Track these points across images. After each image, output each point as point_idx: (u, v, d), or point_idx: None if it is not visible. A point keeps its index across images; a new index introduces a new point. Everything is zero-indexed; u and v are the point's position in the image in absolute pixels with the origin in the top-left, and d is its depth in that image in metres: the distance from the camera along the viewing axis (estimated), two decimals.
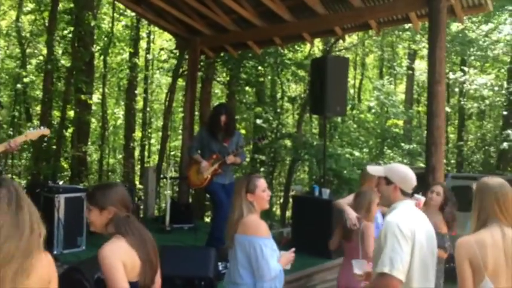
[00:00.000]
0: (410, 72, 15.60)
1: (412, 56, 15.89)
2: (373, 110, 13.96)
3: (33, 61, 13.94)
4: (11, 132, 13.15)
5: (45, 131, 3.62)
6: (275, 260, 2.76)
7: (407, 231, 2.44)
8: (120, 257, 2.15)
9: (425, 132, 5.53)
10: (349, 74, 18.41)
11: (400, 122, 14.90)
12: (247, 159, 13.91)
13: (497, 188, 2.36)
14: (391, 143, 12.96)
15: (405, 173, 2.65)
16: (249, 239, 2.75)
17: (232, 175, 5.38)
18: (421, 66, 15.62)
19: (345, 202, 3.91)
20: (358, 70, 19.31)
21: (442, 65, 5.37)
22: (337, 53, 12.70)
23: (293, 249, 2.95)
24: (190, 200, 11.29)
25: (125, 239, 2.19)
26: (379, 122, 14.40)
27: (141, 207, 8.31)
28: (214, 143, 5.14)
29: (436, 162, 5.16)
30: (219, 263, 4.37)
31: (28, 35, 14.40)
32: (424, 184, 5.20)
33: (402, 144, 12.34)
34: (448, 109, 13.78)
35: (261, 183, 2.92)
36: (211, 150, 5.13)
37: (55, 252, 4.94)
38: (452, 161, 15.20)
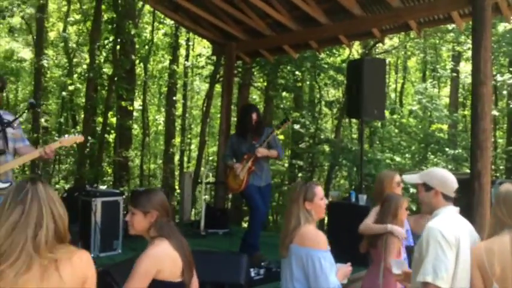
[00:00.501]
0: (454, 74, 15.02)
1: (457, 58, 15.31)
2: (413, 114, 13.50)
3: (79, 69, 14.48)
4: (57, 137, 13.67)
5: (78, 138, 3.63)
6: (333, 275, 2.62)
7: (451, 237, 2.32)
8: (160, 262, 2.27)
9: None
10: (390, 78, 18.22)
11: (445, 127, 14.36)
12: (285, 165, 13.84)
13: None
14: (434, 148, 12.48)
15: (445, 176, 2.52)
16: (306, 251, 2.62)
17: (269, 177, 5.26)
18: (466, 68, 15.01)
19: (371, 221, 3.65)
20: (400, 74, 18.81)
21: (488, 66, 5.10)
22: (377, 56, 12.42)
23: (349, 263, 2.81)
24: (228, 205, 11.35)
25: (168, 242, 2.31)
26: (422, 126, 13.94)
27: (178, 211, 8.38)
28: (243, 145, 5.07)
29: (482, 167, 4.88)
30: (251, 270, 4.30)
31: (74, 45, 15.00)
32: (469, 191, 4.94)
33: (447, 149, 11.86)
34: (496, 112, 13.16)
35: (319, 191, 2.81)
36: (242, 152, 5.07)
37: (92, 256, 5.02)
38: (501, 167, 14.47)
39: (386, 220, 3.45)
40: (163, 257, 2.30)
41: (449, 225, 2.37)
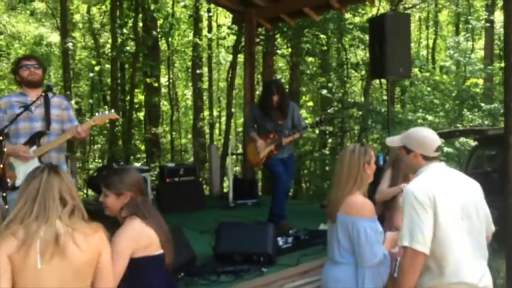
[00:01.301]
0: (489, 25, 14.23)
1: (491, 7, 14.47)
2: (445, 70, 12.93)
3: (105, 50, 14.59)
4: (88, 119, 13.95)
5: (111, 115, 3.57)
6: (380, 244, 2.58)
7: (424, 198, 2.25)
8: (133, 241, 2.26)
9: None
10: (421, 34, 17.46)
11: (480, 81, 13.75)
12: (316, 131, 13.67)
13: None
14: (470, 104, 11.99)
15: (423, 137, 2.46)
16: (352, 220, 2.57)
17: (291, 148, 5.17)
18: (501, 18, 14.19)
19: (386, 186, 3.58)
20: (431, 29, 18.00)
21: None
22: (406, 12, 11.87)
23: (398, 231, 2.71)
24: (260, 174, 11.37)
25: (140, 219, 2.29)
26: (456, 82, 13.38)
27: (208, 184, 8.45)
28: (268, 121, 4.94)
29: None
30: (279, 238, 4.28)
31: (98, 25, 15.07)
32: (503, 145, 4.70)
33: (482, 104, 11.37)
34: None
35: (372, 153, 2.76)
36: (266, 129, 4.95)
37: None
38: None
39: (398, 182, 3.42)
40: (135, 236, 2.27)
41: (423, 186, 2.30)
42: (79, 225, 1.92)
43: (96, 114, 3.61)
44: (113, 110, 3.67)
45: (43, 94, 3.49)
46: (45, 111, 3.47)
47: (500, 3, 13.60)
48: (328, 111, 11.86)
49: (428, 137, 2.46)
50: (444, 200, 2.28)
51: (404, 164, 3.36)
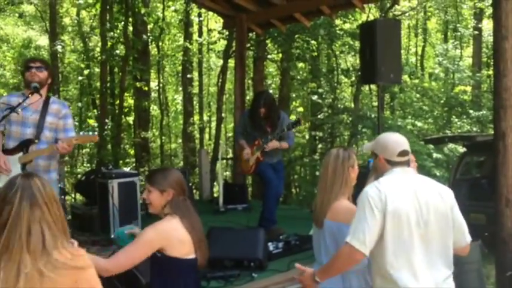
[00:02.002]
0: (477, 33, 14.42)
1: (479, 15, 14.68)
2: (434, 77, 13.07)
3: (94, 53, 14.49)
4: (77, 123, 13.81)
5: (93, 137, 3.53)
6: None
7: (376, 200, 2.23)
8: (165, 237, 2.30)
9: None
10: (410, 41, 17.64)
11: (468, 88, 13.90)
12: (306, 137, 13.69)
13: None
14: (458, 111, 12.11)
15: (386, 141, 2.44)
16: (338, 225, 2.59)
17: (280, 154, 5.19)
18: (489, 26, 14.39)
19: None
20: (420, 36, 18.19)
21: (510, 19, 4.77)
22: (396, 19, 11.96)
23: None
24: (249, 179, 11.34)
25: (180, 219, 2.34)
26: (444, 89, 13.52)
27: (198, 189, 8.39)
28: (257, 130, 4.96)
29: (506, 127, 4.62)
30: (270, 243, 4.25)
31: (88, 29, 14.97)
32: (492, 152, 4.73)
33: (471, 111, 11.49)
34: None
35: (355, 157, 2.78)
36: (254, 136, 4.97)
37: (112, 237, 5.06)
38: None
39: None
40: (170, 233, 2.32)
41: (377, 187, 2.27)
42: (52, 258, 1.59)
43: (80, 133, 3.63)
44: (96, 132, 3.68)
45: (43, 98, 3.45)
46: (40, 118, 3.42)
47: (488, 12, 13.82)
48: (318, 116, 11.89)
49: (392, 141, 2.42)
50: (396, 204, 2.23)
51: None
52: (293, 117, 12.93)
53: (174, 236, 2.31)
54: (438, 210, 2.28)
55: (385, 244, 2.23)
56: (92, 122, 13.22)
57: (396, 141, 2.41)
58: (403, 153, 2.39)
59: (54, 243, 1.61)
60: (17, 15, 15.36)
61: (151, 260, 2.34)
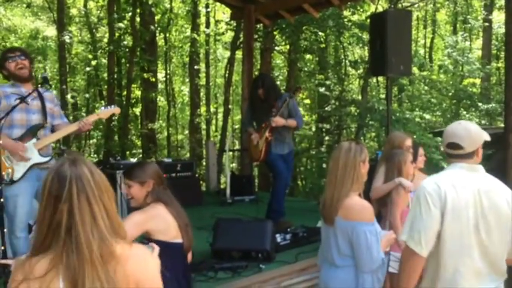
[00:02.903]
0: (487, 25, 14.24)
1: (489, 7, 14.48)
2: (443, 69, 12.95)
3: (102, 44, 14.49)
4: (84, 114, 13.85)
5: (115, 109, 3.62)
6: (378, 248, 2.47)
7: (434, 197, 2.06)
8: (151, 219, 2.37)
9: None
10: (419, 33, 17.47)
11: (477, 81, 13.77)
12: (312, 129, 13.64)
13: None
14: (467, 103, 12.01)
15: (446, 131, 2.24)
16: (352, 224, 2.46)
17: (291, 145, 5.12)
18: (499, 18, 14.21)
19: (381, 183, 3.50)
20: (429, 28, 17.99)
21: None
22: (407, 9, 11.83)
23: (391, 231, 2.71)
24: (256, 171, 11.34)
25: (163, 205, 2.41)
26: (453, 82, 13.40)
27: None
28: (262, 113, 4.91)
29: None
30: (277, 235, 4.25)
31: (95, 19, 14.95)
32: (502, 145, 4.69)
33: (480, 104, 11.38)
34: None
35: (367, 151, 2.67)
36: (262, 120, 4.92)
37: None
38: None
39: (392, 176, 3.38)
40: (157, 216, 2.39)
41: (438, 184, 2.08)
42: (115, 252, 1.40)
43: (102, 108, 3.65)
44: (117, 107, 3.69)
45: (38, 87, 3.46)
46: (42, 104, 3.45)
47: (499, 3, 13.63)
48: (326, 108, 11.83)
49: (448, 130, 2.23)
50: (457, 203, 2.04)
51: (397, 158, 3.36)
52: (300, 110, 12.90)
53: (161, 220, 2.39)
54: (502, 217, 2.07)
55: (441, 245, 2.07)
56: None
57: (453, 131, 2.21)
58: (452, 145, 2.18)
59: (116, 235, 1.42)
60: (24, 5, 15.35)
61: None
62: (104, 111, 3.59)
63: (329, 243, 2.60)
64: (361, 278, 2.49)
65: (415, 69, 11.42)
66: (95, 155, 14.57)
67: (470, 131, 2.18)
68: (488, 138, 2.24)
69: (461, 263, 2.06)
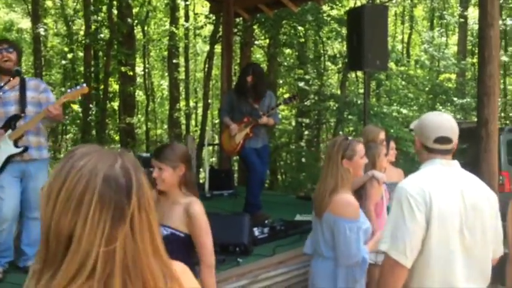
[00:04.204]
0: (462, 20, 14.50)
1: (465, 3, 14.75)
2: (419, 64, 13.17)
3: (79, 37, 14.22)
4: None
5: (83, 89, 3.41)
6: (359, 245, 2.50)
7: (418, 200, 1.85)
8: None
9: None
10: (396, 29, 17.67)
11: (453, 76, 14.03)
12: (292, 123, 13.70)
13: None
14: (442, 98, 12.24)
15: (424, 122, 2.02)
16: (334, 219, 2.53)
17: (265, 138, 5.14)
18: (475, 14, 14.48)
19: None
20: (407, 24, 18.23)
21: (495, 7, 4.83)
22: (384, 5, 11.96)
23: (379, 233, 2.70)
24: (236, 166, 11.34)
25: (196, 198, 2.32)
26: (429, 77, 13.63)
27: None
28: (244, 105, 4.89)
29: (489, 114, 4.71)
30: (255, 229, 4.26)
31: (72, 12, 14.66)
32: (475, 139, 4.79)
33: (455, 98, 11.61)
34: (505, 58, 12.77)
35: (361, 148, 2.63)
36: (242, 112, 4.90)
37: None
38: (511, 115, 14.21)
39: (367, 170, 3.38)
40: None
41: (421, 186, 1.88)
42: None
43: (68, 90, 3.48)
44: (84, 84, 3.55)
45: (19, 78, 3.37)
46: (20, 94, 3.36)
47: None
48: (305, 103, 11.89)
49: (429, 123, 2.01)
50: (443, 207, 1.86)
51: (371, 152, 3.40)
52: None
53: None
54: (484, 217, 1.92)
55: (426, 254, 1.87)
56: (75, 107, 13.03)
57: (433, 123, 2.00)
58: (442, 140, 1.97)
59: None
60: None
61: (170, 237, 2.25)
62: (71, 93, 3.41)
63: (317, 236, 2.70)
64: (336, 271, 2.58)
65: (392, 65, 11.57)
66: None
67: (454, 124, 2.02)
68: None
69: (448, 270, 1.88)
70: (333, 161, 2.58)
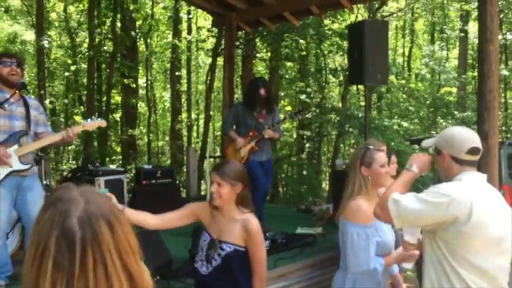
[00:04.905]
0: (463, 35, 14.61)
1: (465, 17, 14.87)
2: (420, 78, 13.23)
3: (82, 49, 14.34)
4: (62, 119, 13.67)
5: (101, 122, 3.55)
6: (369, 253, 2.47)
7: (459, 201, 1.91)
8: None
9: None
10: (398, 42, 17.79)
11: (454, 90, 14.08)
12: (294, 136, 13.73)
13: None
14: (443, 111, 12.27)
15: (453, 134, 2.05)
16: (344, 222, 2.57)
17: (269, 152, 5.19)
18: (475, 28, 14.59)
19: None
20: (408, 37, 18.36)
21: (494, 22, 4.87)
22: (383, 19, 12.07)
23: (416, 251, 2.59)
24: None
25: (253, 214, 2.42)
26: (430, 90, 13.69)
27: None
28: (249, 118, 4.95)
29: (489, 128, 4.72)
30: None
31: (75, 24, 14.81)
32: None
33: (456, 112, 11.65)
34: (506, 72, 12.83)
35: (381, 157, 2.62)
36: (247, 126, 4.95)
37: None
38: None
39: None
40: None
41: (466, 193, 1.92)
42: None
43: (88, 120, 3.57)
44: (103, 120, 3.63)
45: (19, 92, 3.42)
46: (26, 111, 3.41)
47: (474, 14, 14.00)
48: (307, 115, 11.94)
49: (458, 135, 2.05)
50: (483, 215, 1.90)
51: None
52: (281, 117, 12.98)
53: None
54: (508, 228, 2.00)
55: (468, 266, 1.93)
56: (78, 118, 13.10)
57: (462, 135, 2.04)
58: (475, 150, 2.01)
59: None
60: (2, 9, 15.13)
61: (234, 254, 2.36)
62: (90, 124, 3.51)
63: (340, 239, 2.72)
64: (346, 277, 2.56)
65: (393, 78, 11.64)
66: (74, 161, 14.39)
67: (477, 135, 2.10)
68: None
69: (491, 278, 1.95)
70: (352, 168, 2.63)
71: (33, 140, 3.47)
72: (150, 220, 2.43)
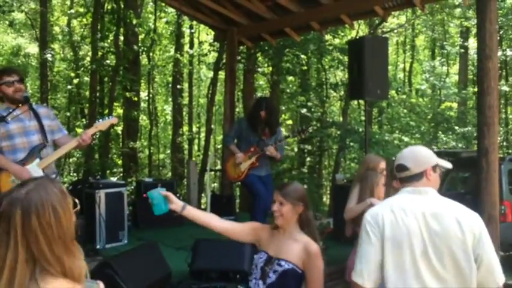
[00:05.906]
0: (463, 51, 14.72)
1: (465, 34, 15.00)
2: (420, 93, 13.31)
3: (84, 62, 14.46)
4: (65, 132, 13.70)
5: (113, 120, 3.54)
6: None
7: (372, 224, 1.98)
8: None
9: None
10: (398, 58, 17.92)
11: (454, 105, 14.15)
12: (295, 149, 13.76)
13: None
14: (444, 126, 12.31)
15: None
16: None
17: (269, 167, 5.22)
18: (475, 44, 14.70)
19: (354, 204, 3.62)
20: (408, 53, 18.49)
21: (493, 39, 4.92)
22: (384, 35, 12.18)
23: None
24: (237, 191, 11.35)
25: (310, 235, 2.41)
26: (431, 105, 13.75)
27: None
28: (252, 135, 4.99)
29: (489, 144, 4.74)
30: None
31: (79, 38, 14.96)
32: (476, 168, 4.82)
33: (456, 127, 11.68)
34: (506, 88, 12.89)
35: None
36: (249, 142, 4.98)
37: (98, 247, 5.03)
38: None
39: (365, 197, 3.48)
40: None
41: (377, 210, 2.02)
42: None
43: (100, 120, 3.52)
44: (114, 117, 3.63)
45: (28, 105, 3.44)
46: (39, 123, 3.41)
47: (474, 30, 14.10)
48: (309, 132, 12.00)
49: (400, 154, 2.17)
50: (396, 229, 1.93)
51: (370, 180, 3.46)
52: (282, 131, 13.03)
53: None
54: (452, 241, 1.89)
55: (385, 275, 1.94)
56: (79, 131, 13.15)
57: (400, 154, 2.15)
58: (398, 168, 2.09)
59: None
60: (7, 22, 15.30)
61: (291, 272, 2.32)
62: (102, 123, 3.47)
63: None
64: None
65: (393, 93, 11.72)
66: (75, 174, 14.40)
67: (416, 153, 2.11)
68: (449, 166, 2.16)
69: None
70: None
71: (52, 148, 3.47)
72: (214, 222, 2.47)
